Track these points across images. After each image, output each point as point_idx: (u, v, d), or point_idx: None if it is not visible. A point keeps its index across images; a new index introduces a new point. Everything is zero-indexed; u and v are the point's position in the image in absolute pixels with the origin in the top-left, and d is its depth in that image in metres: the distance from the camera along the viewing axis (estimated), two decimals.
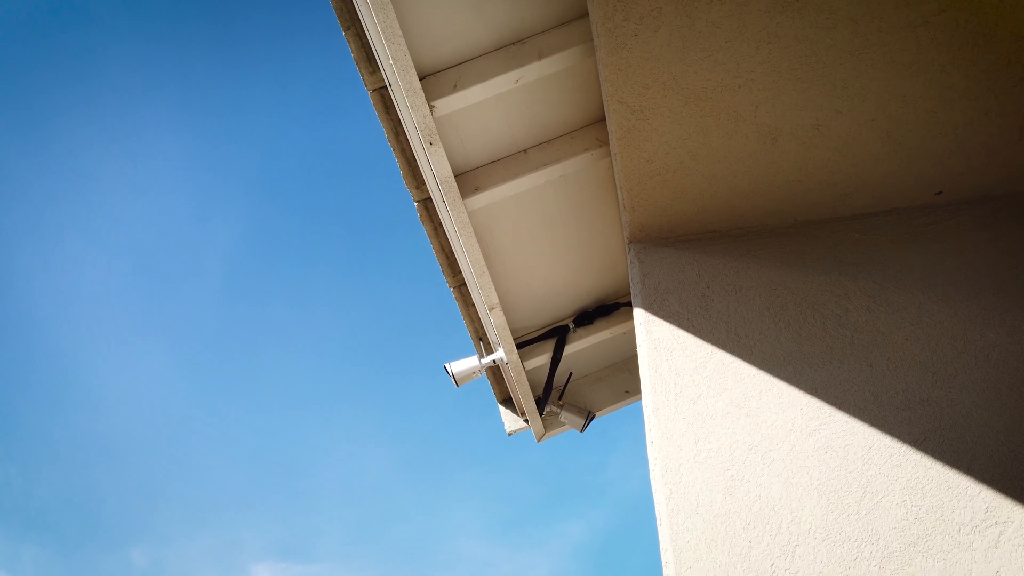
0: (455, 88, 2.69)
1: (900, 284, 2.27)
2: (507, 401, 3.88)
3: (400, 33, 2.37)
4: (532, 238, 3.28)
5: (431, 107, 2.62)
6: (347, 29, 2.75)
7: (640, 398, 3.75)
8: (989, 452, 1.90)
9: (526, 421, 3.76)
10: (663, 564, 1.90)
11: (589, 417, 3.55)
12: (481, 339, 3.59)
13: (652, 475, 2.08)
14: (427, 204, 3.22)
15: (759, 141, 2.33)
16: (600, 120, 3.05)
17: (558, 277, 3.45)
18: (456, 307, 3.58)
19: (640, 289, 2.38)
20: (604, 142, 2.99)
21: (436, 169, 2.72)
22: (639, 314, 2.34)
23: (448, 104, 2.67)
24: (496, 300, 3.08)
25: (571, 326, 3.46)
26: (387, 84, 2.89)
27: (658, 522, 1.98)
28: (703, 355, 2.19)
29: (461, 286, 3.43)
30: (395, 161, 3.11)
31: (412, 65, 2.44)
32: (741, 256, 2.40)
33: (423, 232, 3.33)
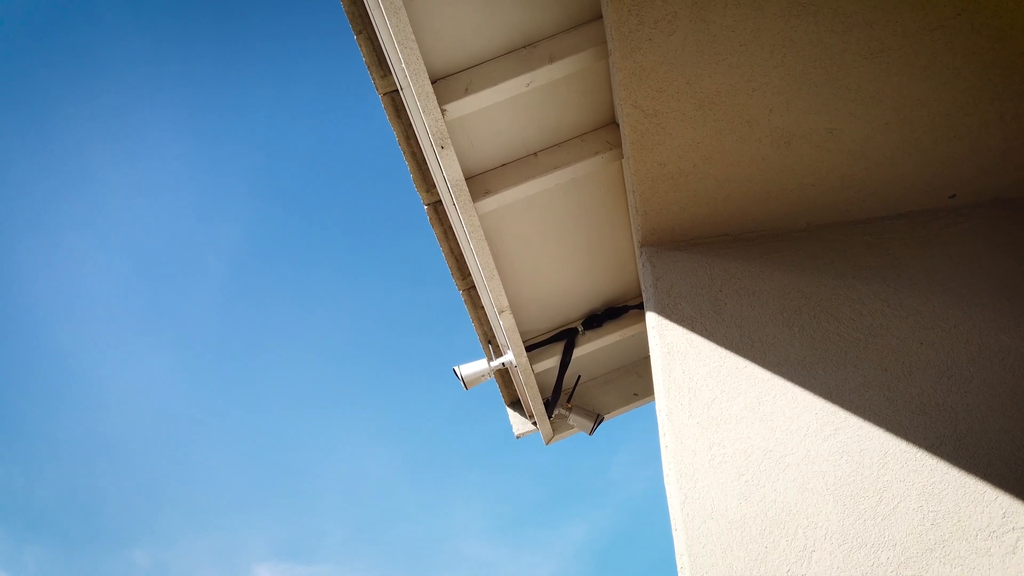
0: (466, 92, 2.68)
1: (914, 288, 2.26)
2: (515, 404, 3.88)
3: (413, 37, 2.36)
4: (541, 241, 3.28)
5: (443, 111, 2.62)
6: (359, 33, 2.75)
7: (649, 401, 3.75)
8: (1006, 457, 1.90)
9: (534, 424, 3.76)
10: (679, 569, 1.90)
11: (598, 420, 3.54)
12: (490, 341, 3.59)
13: (666, 480, 2.07)
14: (437, 207, 3.22)
15: (772, 145, 2.33)
16: (610, 123, 3.05)
17: (567, 280, 3.44)
18: (464, 309, 3.58)
19: (653, 293, 2.38)
20: (614, 145, 2.98)
21: (447, 172, 2.72)
22: (652, 318, 2.34)
23: (459, 108, 2.67)
24: (506, 303, 3.07)
25: (580, 329, 3.45)
26: (398, 88, 2.89)
27: (673, 527, 1.97)
28: (716, 359, 2.19)
29: (470, 289, 3.43)
30: (405, 164, 3.11)
31: (424, 69, 2.44)
32: (754, 260, 2.40)
33: (432, 235, 3.33)
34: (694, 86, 2.22)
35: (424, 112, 2.56)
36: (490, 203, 2.96)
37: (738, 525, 1.86)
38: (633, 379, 3.79)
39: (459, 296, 3.52)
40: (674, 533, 1.97)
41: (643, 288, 2.52)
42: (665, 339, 2.26)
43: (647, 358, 3.84)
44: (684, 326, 2.27)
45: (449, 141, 2.63)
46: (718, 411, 2.07)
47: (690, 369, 2.18)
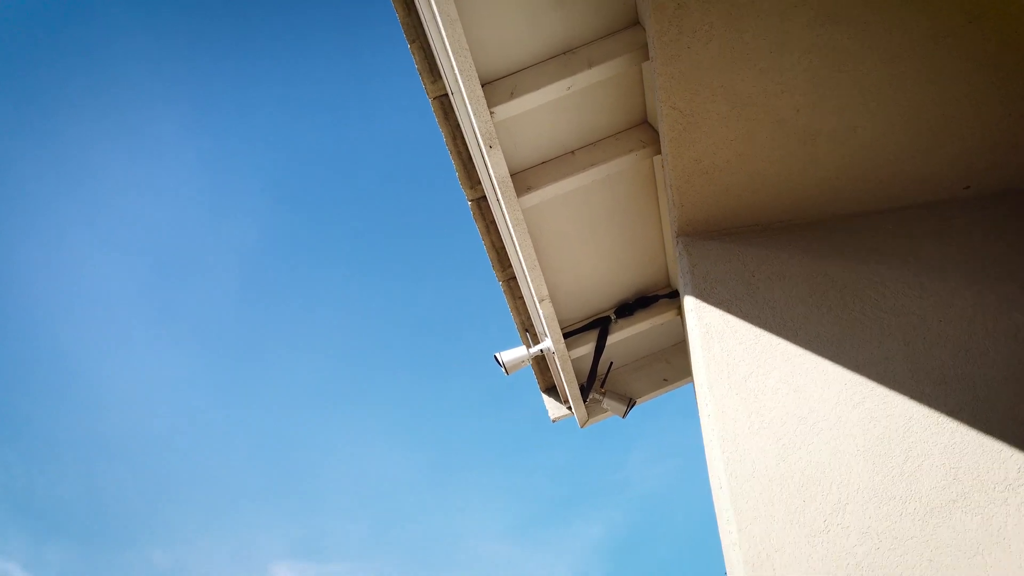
0: (512, 95, 2.90)
1: (933, 272, 2.47)
2: (551, 390, 4.08)
3: (467, 46, 2.57)
4: (577, 234, 3.49)
5: (491, 113, 2.82)
6: (412, 42, 2.97)
7: (679, 386, 3.96)
8: (1020, 419, 2.10)
9: (569, 408, 3.96)
10: (723, 523, 2.11)
11: (630, 404, 3.75)
12: (527, 330, 3.79)
13: (708, 445, 2.28)
14: (480, 203, 3.44)
15: (800, 142, 2.53)
16: (642, 123, 3.26)
17: (600, 270, 3.65)
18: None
19: (690, 279, 2.58)
20: (647, 143, 3.19)
21: (495, 170, 2.92)
22: (690, 301, 2.54)
23: (506, 110, 2.88)
24: (546, 292, 3.28)
25: (613, 317, 3.66)
26: (448, 92, 3.10)
27: (716, 487, 2.18)
28: (751, 338, 2.40)
29: (510, 279, 3.64)
30: (451, 162, 3.33)
31: (476, 75, 2.65)
32: (784, 247, 2.61)
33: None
34: (728, 89, 2.43)
35: (475, 114, 2.77)
36: (532, 199, 3.17)
37: (778, 482, 2.07)
38: (663, 366, 3.99)
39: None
40: (717, 492, 2.18)
41: (680, 275, 2.73)
42: (703, 320, 2.46)
43: (676, 346, 4.04)
44: (721, 308, 2.48)
45: (497, 141, 2.84)
46: (755, 383, 2.28)
47: (728, 347, 2.39)
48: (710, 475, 2.27)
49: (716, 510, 2.26)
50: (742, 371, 2.31)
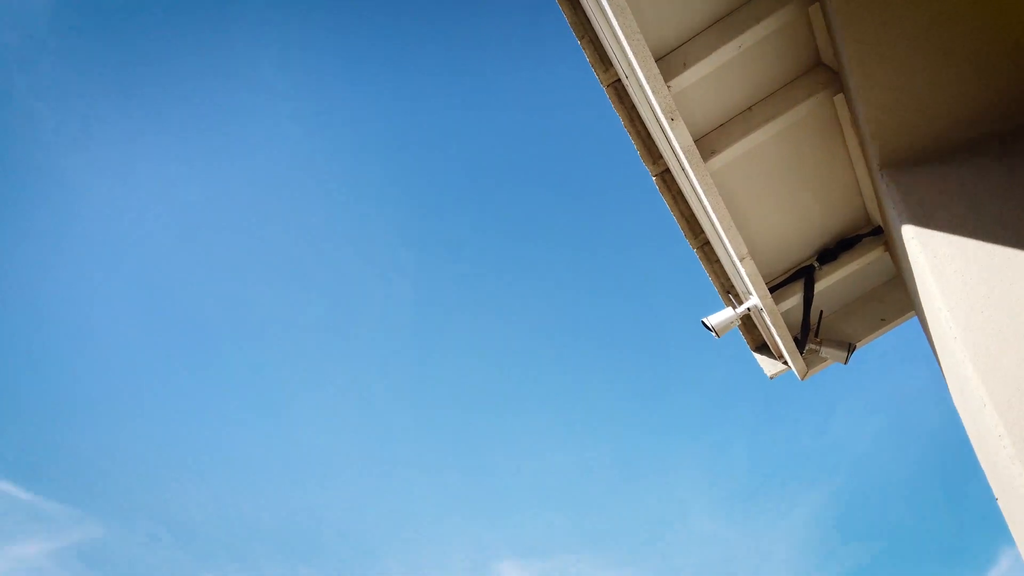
0: (684, 66, 2.98)
1: None
2: (761, 347, 4.09)
3: (639, 31, 2.69)
4: (764, 188, 3.50)
5: (668, 87, 2.92)
6: (581, 38, 3.13)
7: (899, 324, 3.83)
8: None
9: (785, 363, 3.96)
10: (991, 441, 2.08)
11: (851, 349, 3.68)
12: (729, 291, 3.84)
13: (956, 369, 2.25)
14: (664, 176, 3.54)
15: (999, 53, 2.43)
16: (816, 65, 3.22)
17: (793, 221, 3.63)
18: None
19: (904, 208, 2.55)
20: (825, 84, 3.16)
21: (679, 141, 3.02)
22: (908, 231, 2.51)
23: (681, 82, 2.97)
24: (745, 251, 3.32)
25: (816, 264, 3.63)
26: (621, 76, 3.24)
27: (975, 408, 2.15)
28: (985, 255, 2.34)
29: (704, 245, 3.71)
30: (631, 143, 3.46)
31: (651, 56, 2.76)
32: (1000, 158, 2.51)
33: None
34: (915, 14, 2.38)
35: (653, 92, 2.88)
36: (716, 162, 3.23)
37: None
38: (875, 305, 3.89)
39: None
40: (976, 413, 2.15)
41: (890, 207, 2.70)
42: (928, 247, 2.43)
43: (888, 283, 3.92)
44: (945, 231, 2.43)
45: (678, 113, 2.94)
46: (999, 299, 2.23)
47: (960, 268, 2.34)
48: (960, 401, 2.25)
49: (974, 434, 2.24)
50: (982, 290, 2.27)
